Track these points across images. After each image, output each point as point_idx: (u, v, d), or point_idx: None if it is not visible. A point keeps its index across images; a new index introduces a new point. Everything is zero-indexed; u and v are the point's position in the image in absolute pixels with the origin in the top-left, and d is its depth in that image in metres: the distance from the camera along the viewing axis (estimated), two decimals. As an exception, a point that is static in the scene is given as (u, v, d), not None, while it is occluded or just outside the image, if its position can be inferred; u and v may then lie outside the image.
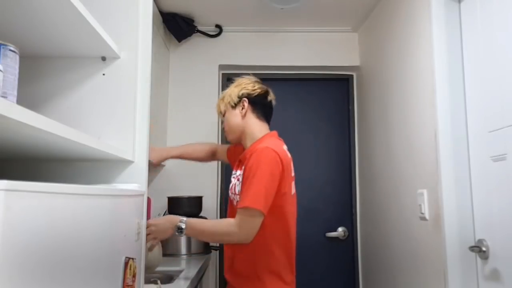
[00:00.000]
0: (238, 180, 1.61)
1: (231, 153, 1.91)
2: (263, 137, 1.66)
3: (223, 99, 1.74)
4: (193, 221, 1.54)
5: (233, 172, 1.70)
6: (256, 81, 1.75)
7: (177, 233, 1.51)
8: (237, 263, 1.60)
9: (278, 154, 1.54)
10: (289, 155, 1.66)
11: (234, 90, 1.71)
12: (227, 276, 1.65)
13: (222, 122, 1.82)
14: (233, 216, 1.55)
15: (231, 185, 1.66)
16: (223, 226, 1.55)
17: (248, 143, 1.68)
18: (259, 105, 1.70)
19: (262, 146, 1.55)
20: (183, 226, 1.50)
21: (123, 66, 1.29)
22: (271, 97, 1.76)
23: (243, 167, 1.58)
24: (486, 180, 1.53)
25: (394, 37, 2.16)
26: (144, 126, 1.29)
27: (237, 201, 1.56)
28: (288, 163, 1.60)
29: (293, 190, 1.66)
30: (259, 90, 1.71)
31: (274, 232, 1.55)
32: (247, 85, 1.71)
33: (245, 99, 1.68)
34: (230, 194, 1.67)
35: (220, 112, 1.76)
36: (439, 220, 1.66)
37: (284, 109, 2.87)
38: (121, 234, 0.98)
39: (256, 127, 1.68)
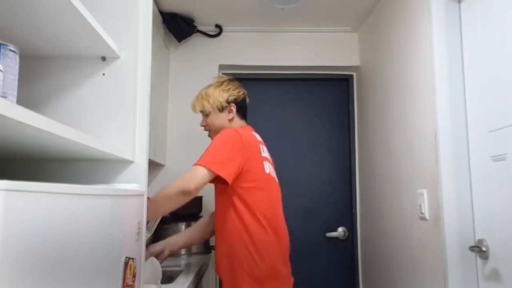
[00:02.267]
0: None
1: None
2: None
3: (207, 99, 1.82)
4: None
5: None
6: (239, 85, 1.88)
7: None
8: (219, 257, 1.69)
9: (236, 131, 1.66)
10: (258, 138, 1.78)
11: (222, 95, 1.80)
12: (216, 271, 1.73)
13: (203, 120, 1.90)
14: (219, 213, 1.70)
15: None
16: (169, 186, 1.58)
17: None
18: (242, 107, 1.85)
19: None
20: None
21: (123, 66, 1.29)
22: (247, 98, 1.92)
23: None
24: (486, 180, 1.53)
25: (394, 37, 2.16)
26: (144, 126, 1.29)
27: None
28: (252, 142, 1.70)
29: (267, 170, 1.73)
30: (242, 95, 1.86)
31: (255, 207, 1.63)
32: (234, 90, 1.83)
33: (233, 104, 1.81)
34: None
35: (203, 111, 1.85)
36: (439, 220, 1.66)
37: (284, 109, 2.87)
38: (121, 234, 0.98)
39: (238, 125, 1.82)
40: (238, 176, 1.61)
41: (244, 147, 1.64)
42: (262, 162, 1.72)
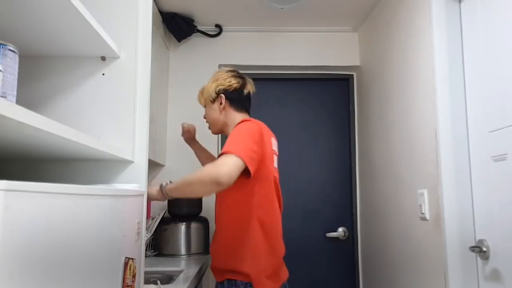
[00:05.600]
0: None
1: None
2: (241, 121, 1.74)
3: (202, 93, 1.83)
4: (178, 183, 1.52)
5: None
6: (232, 76, 1.79)
7: (163, 189, 1.52)
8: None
9: (254, 122, 1.61)
10: (269, 130, 1.74)
11: (211, 86, 1.78)
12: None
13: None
14: (221, 207, 1.64)
15: None
16: (202, 170, 1.47)
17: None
18: (236, 99, 1.77)
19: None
20: (166, 182, 1.55)
21: (123, 66, 1.29)
22: (249, 88, 1.81)
23: None
24: (487, 180, 1.53)
25: (394, 36, 2.16)
26: (144, 126, 1.29)
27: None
28: (267, 133, 1.67)
29: (275, 164, 1.73)
30: (235, 85, 1.76)
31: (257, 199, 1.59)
32: (223, 80, 1.76)
33: (222, 95, 1.75)
34: None
35: (202, 105, 1.87)
36: (439, 220, 1.66)
37: (284, 109, 2.87)
38: (121, 234, 0.98)
39: (237, 117, 1.75)
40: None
41: (263, 139, 1.58)
42: (272, 156, 1.69)
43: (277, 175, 1.74)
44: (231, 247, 1.60)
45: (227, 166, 1.41)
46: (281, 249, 1.67)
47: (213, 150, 2.07)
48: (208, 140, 2.50)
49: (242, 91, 1.78)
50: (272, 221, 1.63)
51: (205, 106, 1.84)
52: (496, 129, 1.47)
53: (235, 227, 1.61)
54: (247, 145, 1.50)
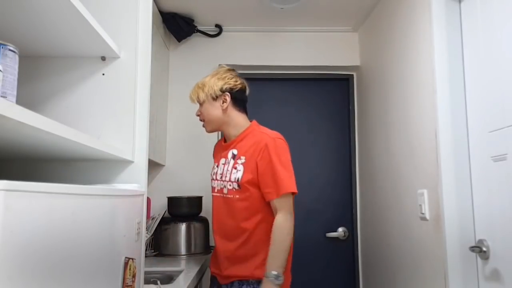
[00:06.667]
0: (235, 168, 1.69)
1: (215, 152, 1.97)
2: (251, 125, 1.77)
3: (202, 88, 1.77)
4: (274, 262, 1.58)
5: (222, 161, 1.77)
6: (236, 75, 1.81)
7: (277, 280, 1.56)
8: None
9: (285, 141, 1.72)
10: None
11: (216, 83, 1.74)
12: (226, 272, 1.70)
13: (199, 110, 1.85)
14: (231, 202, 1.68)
15: (219, 172, 1.76)
16: (281, 229, 1.62)
17: (234, 133, 1.77)
18: (239, 99, 1.78)
19: (270, 134, 1.69)
20: (276, 271, 1.56)
21: (123, 66, 1.29)
22: (248, 90, 1.85)
23: (243, 156, 1.69)
24: (487, 180, 1.53)
25: (394, 36, 2.16)
26: (143, 126, 1.29)
27: (234, 188, 1.67)
28: None
29: None
30: (240, 85, 1.78)
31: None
32: (230, 79, 1.76)
33: (227, 93, 1.74)
34: (218, 182, 1.75)
35: (197, 101, 1.80)
36: (439, 220, 1.66)
37: (284, 109, 2.86)
38: (120, 234, 0.98)
39: (240, 118, 1.77)
40: None
41: None
42: None
43: None
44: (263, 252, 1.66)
45: (290, 211, 1.66)
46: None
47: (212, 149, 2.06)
48: (208, 139, 2.51)
49: (245, 91, 1.81)
50: None
51: (202, 103, 1.78)
52: (496, 129, 1.47)
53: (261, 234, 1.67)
54: (289, 174, 1.66)
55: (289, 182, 1.62)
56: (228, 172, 1.70)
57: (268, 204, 1.66)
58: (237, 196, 1.67)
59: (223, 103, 1.73)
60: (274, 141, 1.66)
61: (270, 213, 1.67)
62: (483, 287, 1.54)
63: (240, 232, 1.67)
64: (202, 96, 1.77)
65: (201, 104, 1.79)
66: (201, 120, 1.82)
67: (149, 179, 2.59)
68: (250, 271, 1.64)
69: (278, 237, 1.60)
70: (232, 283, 1.67)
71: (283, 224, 1.61)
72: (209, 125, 1.79)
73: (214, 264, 1.79)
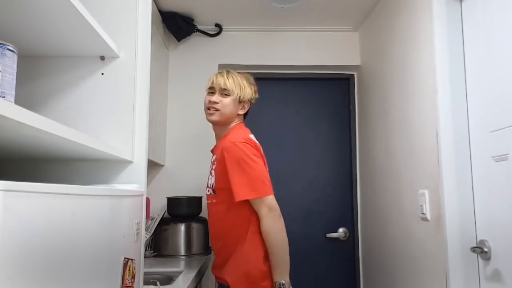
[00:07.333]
0: (211, 174, 1.77)
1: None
2: (230, 129, 1.80)
3: (240, 87, 1.81)
4: (277, 270, 1.62)
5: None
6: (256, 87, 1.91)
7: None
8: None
9: (248, 142, 1.69)
10: (257, 142, 1.79)
11: (248, 91, 1.84)
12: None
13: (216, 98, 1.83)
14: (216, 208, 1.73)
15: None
16: (271, 234, 1.63)
17: (221, 133, 1.82)
18: (248, 110, 1.89)
19: (232, 138, 1.69)
20: (283, 281, 1.61)
21: (122, 66, 1.29)
22: None
23: (216, 162, 1.73)
24: (488, 181, 1.52)
25: (395, 36, 2.15)
26: (143, 126, 1.28)
27: (211, 194, 1.75)
28: (259, 148, 1.76)
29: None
30: (254, 100, 1.89)
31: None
32: (255, 93, 1.88)
33: (247, 103, 1.85)
34: (207, 188, 1.82)
35: (228, 92, 1.78)
36: (440, 220, 1.65)
37: (284, 109, 2.86)
38: (120, 234, 0.97)
39: (235, 121, 1.83)
40: None
41: (260, 154, 1.73)
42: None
43: None
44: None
45: (270, 208, 1.63)
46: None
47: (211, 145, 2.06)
48: (208, 139, 2.50)
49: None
50: None
51: (228, 95, 1.77)
52: (497, 129, 1.46)
53: (244, 243, 1.68)
54: (253, 177, 1.63)
55: (240, 190, 1.61)
56: (208, 178, 1.80)
57: (243, 205, 1.66)
58: (214, 201, 1.75)
59: (241, 109, 1.83)
60: (233, 145, 1.65)
61: (244, 214, 1.67)
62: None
63: (219, 237, 1.75)
64: (236, 92, 1.79)
65: (226, 95, 1.78)
66: (210, 108, 1.78)
67: (149, 179, 2.59)
68: (224, 276, 1.68)
69: (271, 243, 1.62)
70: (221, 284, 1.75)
71: (270, 227, 1.62)
72: (220, 116, 1.77)
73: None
